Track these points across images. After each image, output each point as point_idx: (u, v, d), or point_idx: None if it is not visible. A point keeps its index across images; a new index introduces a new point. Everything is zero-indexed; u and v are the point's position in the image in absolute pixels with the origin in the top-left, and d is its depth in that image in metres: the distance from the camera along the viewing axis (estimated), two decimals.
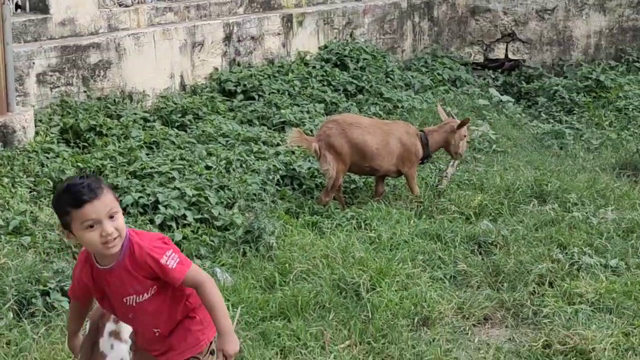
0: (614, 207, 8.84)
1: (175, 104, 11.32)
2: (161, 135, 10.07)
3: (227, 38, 13.04)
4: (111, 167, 8.80)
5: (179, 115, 11.05)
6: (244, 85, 12.41)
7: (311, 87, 13.01)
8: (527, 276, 7.11)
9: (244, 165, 9.39)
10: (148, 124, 10.57)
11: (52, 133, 9.41)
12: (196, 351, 4.11)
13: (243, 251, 7.46)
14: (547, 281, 7.07)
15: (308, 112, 11.97)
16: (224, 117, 11.34)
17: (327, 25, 14.98)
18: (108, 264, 3.91)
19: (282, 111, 11.59)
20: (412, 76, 14.88)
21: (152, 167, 8.75)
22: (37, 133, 9.29)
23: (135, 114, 10.71)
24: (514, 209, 8.89)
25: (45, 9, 10.85)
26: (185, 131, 10.66)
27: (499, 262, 7.41)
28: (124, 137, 9.79)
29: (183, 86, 12.28)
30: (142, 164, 8.84)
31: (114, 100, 10.90)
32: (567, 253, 7.54)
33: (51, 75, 10.36)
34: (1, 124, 8.92)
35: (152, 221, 7.74)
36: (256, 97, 12.29)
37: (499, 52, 16.86)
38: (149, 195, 8.05)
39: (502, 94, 15.05)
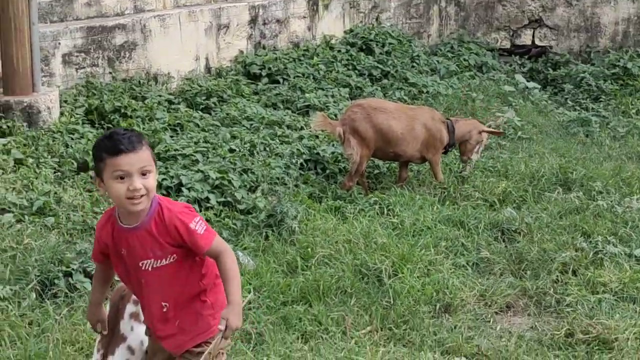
0: None
1: (200, 86, 11.31)
2: (185, 117, 10.07)
3: (253, 21, 13.02)
4: None
5: (204, 97, 11.04)
6: (269, 69, 12.38)
7: (336, 71, 12.97)
8: (550, 264, 7.08)
9: (267, 149, 9.37)
10: (172, 106, 10.57)
11: (77, 114, 9.41)
12: (208, 336, 4.09)
13: (265, 235, 7.45)
14: (571, 269, 7.03)
15: (332, 96, 11.93)
16: (248, 100, 11.33)
17: (353, 9, 14.92)
18: (131, 223, 3.92)
19: (307, 95, 11.56)
20: (437, 61, 14.80)
21: (175, 150, 8.76)
22: (62, 114, 9.30)
23: (160, 96, 10.71)
24: (539, 196, 8.84)
25: None
26: (210, 114, 10.65)
27: (522, 249, 7.38)
28: (148, 119, 9.79)
29: (208, 69, 12.26)
30: (166, 146, 8.85)
31: (139, 81, 10.91)
32: (591, 242, 7.49)
33: (77, 56, 10.37)
34: (26, 104, 8.93)
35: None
36: (281, 80, 12.26)
37: (525, 38, 16.74)
38: (172, 177, 8.06)
39: (528, 81, 14.93)
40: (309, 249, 7.11)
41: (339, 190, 8.81)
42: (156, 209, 3.91)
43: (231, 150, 9.09)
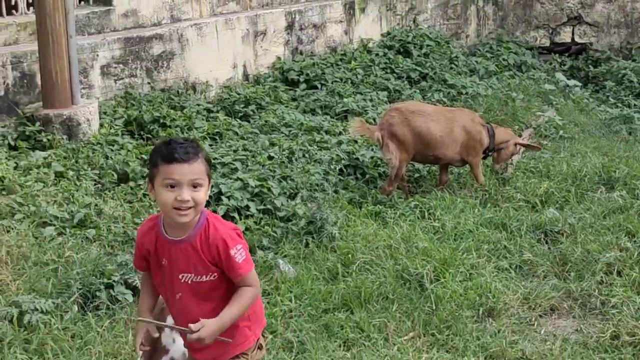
0: None
1: (238, 94, 11.33)
2: (224, 125, 10.09)
3: (289, 27, 13.02)
4: None
5: (242, 105, 11.05)
6: (307, 74, 12.38)
7: (374, 75, 12.93)
8: (594, 265, 6.99)
9: (306, 155, 9.35)
10: (211, 115, 10.60)
11: (116, 125, 9.46)
12: (244, 348, 4.07)
13: (305, 242, 7.43)
14: (616, 270, 6.93)
15: (371, 100, 11.90)
16: (286, 106, 11.32)
17: (390, 11, 14.87)
18: (177, 236, 3.90)
19: (345, 100, 11.54)
20: (476, 62, 14.71)
21: (215, 158, 8.76)
22: (101, 125, 9.35)
23: (198, 104, 10.75)
24: (581, 196, 8.74)
25: (108, 1, 10.90)
26: (249, 121, 10.66)
27: (565, 251, 7.29)
28: (187, 128, 9.81)
29: (246, 76, 12.28)
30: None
31: (177, 91, 10.95)
32: (635, 241, 7.42)
33: (115, 67, 10.43)
34: (66, 117, 8.99)
35: (215, 212, 7.73)
36: (319, 86, 12.25)
37: (565, 35, 16.59)
38: (212, 186, 8.03)
39: (568, 79, 14.81)
40: (350, 255, 7.08)
41: (379, 195, 8.77)
42: (203, 225, 3.89)
43: (270, 158, 9.08)
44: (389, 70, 13.30)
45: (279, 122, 10.46)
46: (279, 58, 12.81)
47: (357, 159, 9.46)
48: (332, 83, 12.28)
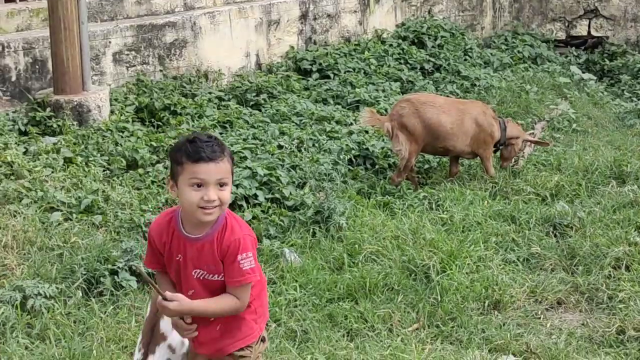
0: None
1: (251, 82, 11.31)
2: (235, 114, 10.07)
3: (303, 16, 12.98)
4: None
5: (254, 94, 11.03)
6: (320, 64, 12.34)
7: (387, 66, 12.88)
8: (603, 259, 6.92)
9: (316, 145, 9.32)
10: (223, 103, 10.59)
11: (127, 112, 9.46)
12: (250, 341, 4.05)
13: (312, 231, 7.40)
14: (624, 265, 6.88)
15: (383, 90, 11.85)
16: (298, 96, 11.29)
17: (405, 2, 14.81)
18: (195, 233, 3.87)
19: (357, 90, 11.50)
20: (491, 54, 14.63)
21: None
22: (112, 112, 9.36)
23: (210, 93, 10.74)
24: (592, 190, 8.67)
25: None
26: (260, 110, 10.64)
27: (574, 244, 7.23)
28: (198, 116, 9.81)
29: (259, 65, 12.25)
30: None
31: (189, 79, 10.93)
32: None
33: (127, 54, 10.43)
34: (77, 103, 9.00)
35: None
36: (331, 75, 12.21)
37: (581, 28, 16.46)
38: None
39: (583, 72, 14.70)
40: (356, 246, 7.05)
41: (388, 185, 8.73)
42: (222, 223, 3.86)
43: (280, 147, 9.06)
44: (402, 61, 13.24)
45: (290, 111, 10.43)
46: (292, 47, 12.77)
47: (367, 149, 9.43)
48: (344, 73, 12.24)
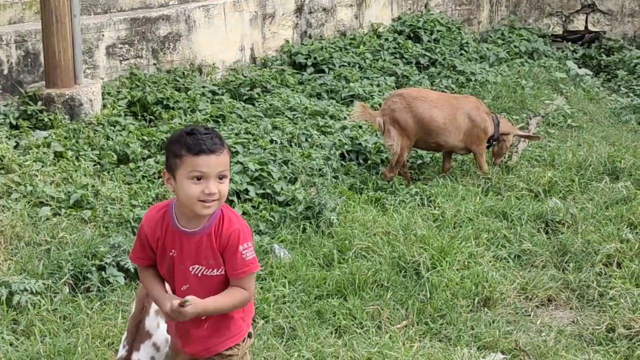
0: None
1: (245, 77, 11.27)
2: (228, 108, 10.03)
3: (299, 10, 12.93)
4: None
5: (247, 88, 10.99)
6: (315, 58, 12.31)
7: (383, 60, 12.84)
8: (594, 256, 6.92)
9: (309, 140, 9.28)
10: (216, 97, 10.54)
11: (119, 106, 9.41)
12: (238, 340, 4.01)
13: (303, 227, 7.37)
14: (615, 262, 6.86)
15: (378, 85, 11.82)
16: (292, 90, 11.25)
17: None
18: (190, 227, 3.80)
19: (352, 84, 11.46)
20: (487, 48, 14.58)
21: None
22: (104, 106, 9.31)
23: (203, 87, 10.69)
24: (585, 186, 8.64)
25: None
26: (253, 104, 10.59)
27: (566, 241, 7.21)
28: (190, 110, 9.76)
29: (253, 59, 12.21)
30: None
31: (183, 73, 10.89)
32: (637, 233, 7.34)
33: (121, 48, 10.38)
34: (68, 97, 8.94)
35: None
36: (326, 70, 12.17)
37: (578, 23, 16.43)
38: None
39: (580, 67, 14.66)
40: (347, 242, 7.02)
41: (380, 181, 8.70)
42: (218, 216, 3.80)
43: (272, 141, 9.02)
44: (397, 56, 13.21)
45: (284, 105, 10.39)
46: (287, 41, 12.73)
47: (360, 144, 9.39)
48: (339, 67, 12.20)
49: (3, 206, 6.84)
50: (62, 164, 7.82)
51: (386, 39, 13.64)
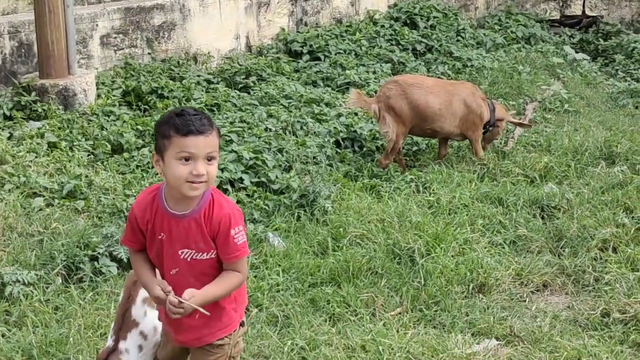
0: None
1: (240, 65, 11.23)
2: (223, 97, 10.00)
3: None
4: None
5: (243, 76, 10.96)
6: (310, 46, 12.27)
7: (379, 47, 12.81)
8: (590, 241, 6.88)
9: (304, 128, 9.25)
10: (211, 86, 10.51)
11: (113, 96, 9.39)
12: (229, 331, 4.00)
13: (297, 215, 7.34)
14: (611, 246, 6.83)
15: (374, 72, 11.79)
16: (288, 78, 11.22)
17: None
18: (180, 210, 3.79)
19: (347, 72, 11.42)
20: (484, 34, 14.55)
21: None
22: (98, 96, 9.29)
23: (198, 75, 10.67)
24: (581, 171, 8.61)
25: None
26: (249, 93, 10.56)
27: (561, 226, 7.18)
28: (185, 99, 9.73)
29: (249, 47, 12.17)
30: None
31: (178, 62, 10.86)
32: (633, 217, 7.29)
33: (115, 37, 10.35)
34: (62, 87, 8.93)
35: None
36: (322, 57, 12.13)
37: (575, 8, 16.37)
38: None
39: (577, 52, 14.62)
40: (341, 229, 6.99)
41: (376, 168, 8.67)
42: (208, 200, 3.79)
43: (267, 130, 8.98)
44: (394, 42, 13.18)
45: (279, 93, 10.36)
46: (282, 29, 12.70)
47: (355, 131, 9.36)
48: (335, 55, 12.16)
49: None
50: (56, 155, 7.80)
51: (382, 26, 13.60)
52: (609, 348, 5.41)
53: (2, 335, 5.30)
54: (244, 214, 3.92)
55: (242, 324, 4.09)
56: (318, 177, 7.85)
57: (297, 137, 8.96)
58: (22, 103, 8.72)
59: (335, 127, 9.28)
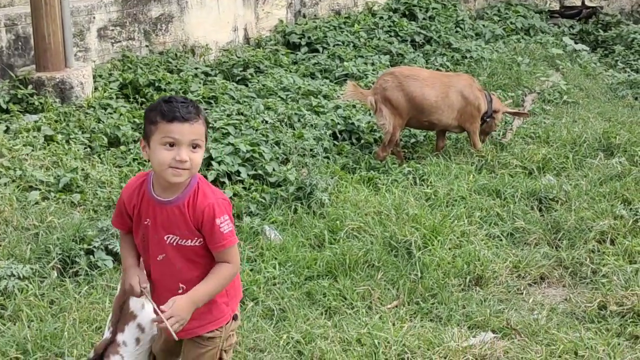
0: None
1: (238, 57, 11.20)
2: (221, 89, 9.96)
3: None
4: None
5: (241, 69, 10.93)
6: (309, 38, 12.23)
7: (377, 38, 12.77)
8: (587, 233, 6.87)
9: (302, 120, 9.22)
10: (209, 79, 10.48)
11: (110, 88, 9.36)
12: (220, 324, 4.00)
13: (294, 208, 7.31)
14: (609, 238, 6.81)
15: (372, 64, 11.75)
16: (286, 70, 11.19)
17: None
18: (165, 196, 3.81)
19: (346, 64, 11.39)
20: (483, 25, 14.49)
21: (207, 123, 8.63)
22: (95, 89, 9.26)
23: (196, 68, 10.64)
24: (580, 163, 8.58)
25: None
26: (246, 85, 10.53)
27: (559, 218, 7.16)
28: (182, 92, 9.70)
29: (247, 39, 12.14)
30: None
31: (176, 54, 10.83)
32: (631, 209, 7.26)
33: (112, 30, 10.32)
34: (59, 80, 8.90)
35: (205, 178, 7.63)
36: (320, 49, 12.10)
37: None
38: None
39: (577, 43, 14.57)
40: (338, 222, 6.97)
41: (373, 160, 8.65)
42: (193, 188, 3.80)
43: (264, 122, 8.96)
44: (392, 34, 13.13)
45: (277, 86, 10.33)
46: (281, 21, 12.66)
47: (352, 124, 9.33)
48: (333, 46, 12.12)
49: None
50: (52, 148, 7.78)
51: (381, 17, 13.56)
52: (606, 341, 5.39)
53: None
54: (232, 204, 3.91)
55: (235, 318, 4.08)
56: (315, 169, 7.83)
57: (294, 129, 8.93)
58: (19, 96, 8.70)
59: (332, 120, 9.25)
